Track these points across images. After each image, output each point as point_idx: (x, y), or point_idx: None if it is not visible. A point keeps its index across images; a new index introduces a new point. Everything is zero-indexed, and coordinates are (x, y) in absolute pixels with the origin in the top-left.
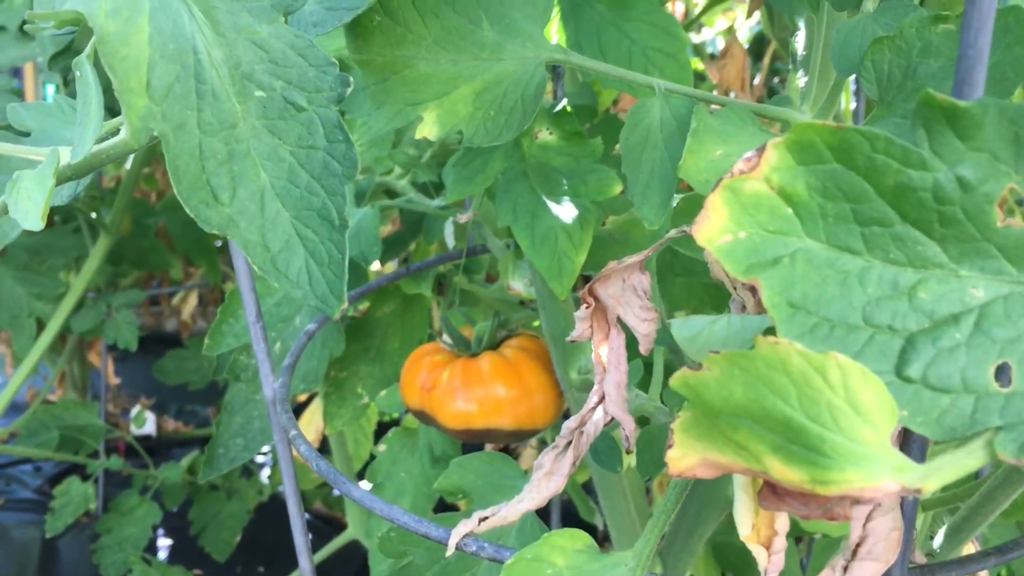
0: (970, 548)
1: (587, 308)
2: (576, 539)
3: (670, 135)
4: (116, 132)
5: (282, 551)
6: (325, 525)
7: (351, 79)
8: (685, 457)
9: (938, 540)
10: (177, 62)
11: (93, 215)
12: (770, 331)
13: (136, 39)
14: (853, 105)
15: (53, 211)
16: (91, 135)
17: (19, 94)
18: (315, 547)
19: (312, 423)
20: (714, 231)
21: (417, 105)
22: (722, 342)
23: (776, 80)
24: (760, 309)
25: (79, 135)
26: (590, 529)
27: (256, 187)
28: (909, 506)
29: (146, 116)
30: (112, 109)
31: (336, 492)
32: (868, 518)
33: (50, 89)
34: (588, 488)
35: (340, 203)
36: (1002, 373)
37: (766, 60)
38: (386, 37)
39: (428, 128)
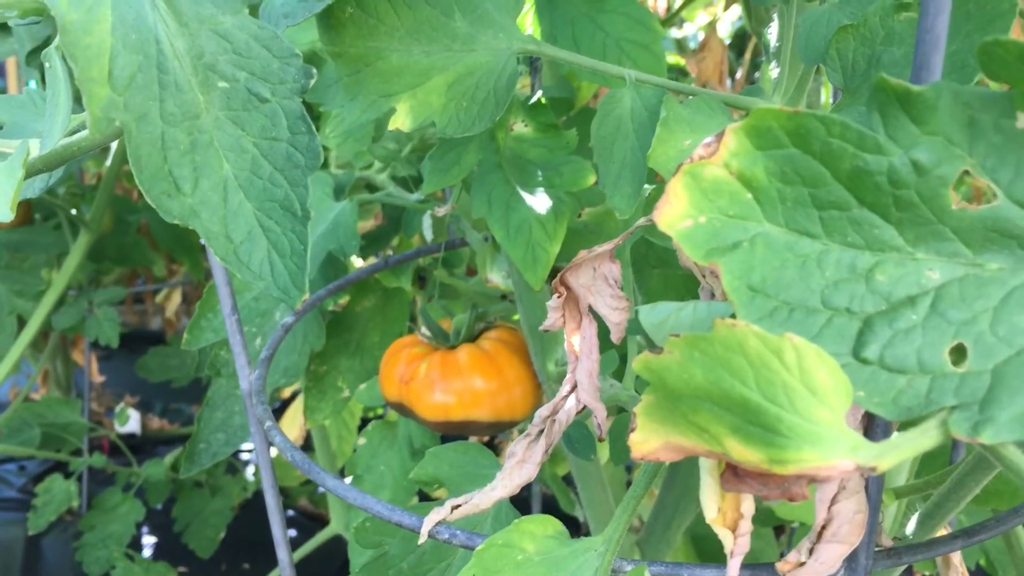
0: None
1: (559, 297)
2: (547, 525)
3: (641, 125)
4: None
5: (266, 548)
6: (310, 522)
7: (314, 70)
8: (648, 441)
9: (911, 527)
10: (139, 52)
11: (74, 212)
12: (735, 317)
13: (98, 28)
14: (833, 100)
15: (34, 208)
16: (60, 127)
17: (2, 91)
18: (300, 543)
19: (296, 420)
20: (675, 216)
21: (390, 96)
22: (688, 328)
23: (757, 75)
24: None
25: (48, 127)
26: (571, 521)
27: (219, 178)
28: (874, 489)
29: (108, 106)
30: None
31: (322, 489)
32: (833, 501)
33: (32, 85)
34: (568, 480)
35: (303, 194)
36: (957, 354)
37: (747, 55)
38: (359, 28)
39: (401, 119)
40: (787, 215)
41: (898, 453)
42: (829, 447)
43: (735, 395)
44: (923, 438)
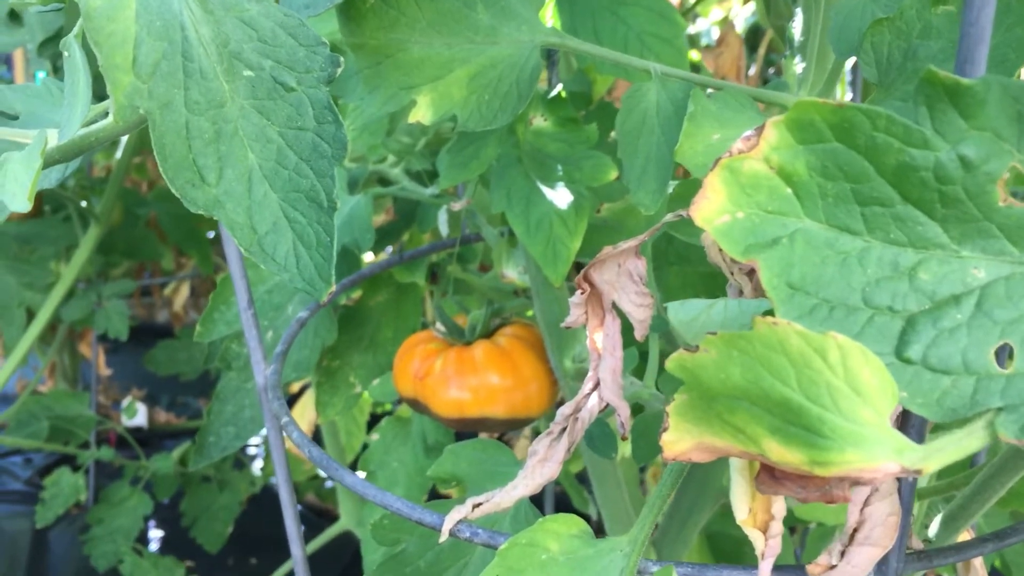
0: (966, 537)
1: (582, 294)
2: (571, 524)
3: (667, 119)
4: (105, 115)
5: (274, 543)
6: (317, 517)
7: (341, 59)
8: (680, 441)
9: (933, 529)
10: (164, 39)
11: (83, 204)
12: (768, 315)
13: (122, 15)
14: (849, 96)
15: (43, 200)
16: (78, 117)
17: (9, 83)
18: (307, 539)
19: (305, 414)
20: (712, 211)
21: (411, 89)
22: (720, 326)
23: (771, 71)
24: (757, 294)
25: (66, 117)
26: (584, 519)
27: (244, 168)
28: (907, 491)
29: (132, 93)
30: (101, 94)
31: (329, 484)
32: (866, 503)
33: (41, 76)
34: (582, 478)
35: (329, 185)
36: (1003, 354)
37: (761, 51)
38: (379, 20)
39: (422, 112)
40: (828, 211)
41: (944, 455)
42: (873, 449)
43: (775, 395)
44: (969, 440)
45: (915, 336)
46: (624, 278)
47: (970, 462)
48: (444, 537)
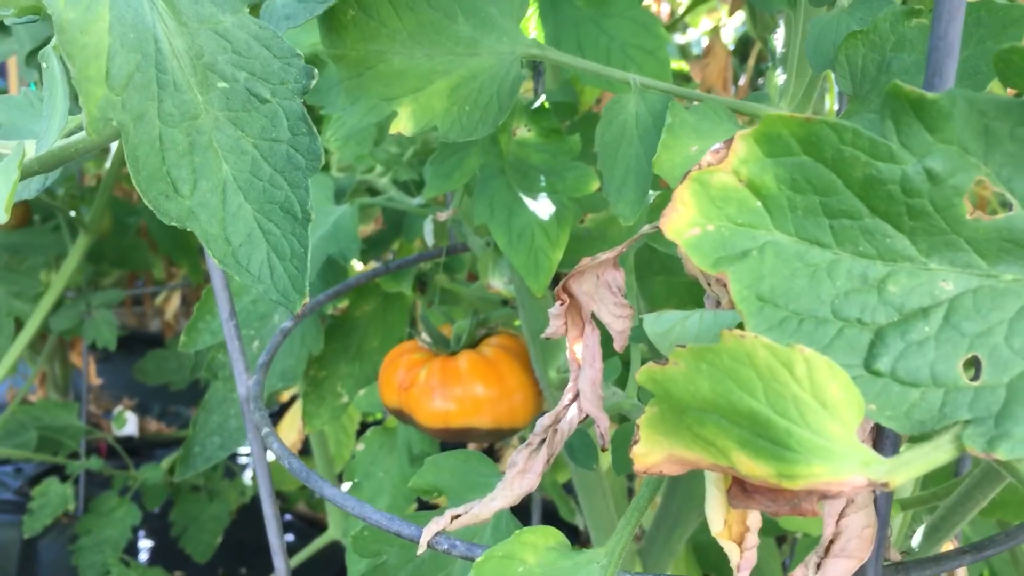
0: (949, 547)
1: (561, 305)
2: (548, 536)
3: (646, 131)
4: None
5: (264, 553)
6: (308, 526)
7: (315, 71)
8: (651, 453)
9: (916, 539)
10: (138, 51)
11: (73, 213)
12: (740, 327)
13: (96, 27)
14: (837, 105)
15: (33, 210)
16: (56, 128)
17: (3, 91)
18: (298, 548)
19: (294, 424)
20: (682, 224)
21: (392, 100)
22: (694, 338)
23: (761, 80)
24: (734, 305)
25: (44, 128)
26: (571, 529)
27: (218, 179)
28: (883, 503)
29: (105, 106)
30: None
31: None
32: (841, 515)
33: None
34: (569, 488)
35: (303, 196)
36: (971, 367)
37: (751, 60)
38: (360, 31)
39: (403, 123)
40: (797, 224)
41: (911, 469)
42: (840, 462)
43: (743, 408)
44: (936, 453)
45: (884, 348)
46: (603, 289)
47: (954, 472)
48: (422, 549)
